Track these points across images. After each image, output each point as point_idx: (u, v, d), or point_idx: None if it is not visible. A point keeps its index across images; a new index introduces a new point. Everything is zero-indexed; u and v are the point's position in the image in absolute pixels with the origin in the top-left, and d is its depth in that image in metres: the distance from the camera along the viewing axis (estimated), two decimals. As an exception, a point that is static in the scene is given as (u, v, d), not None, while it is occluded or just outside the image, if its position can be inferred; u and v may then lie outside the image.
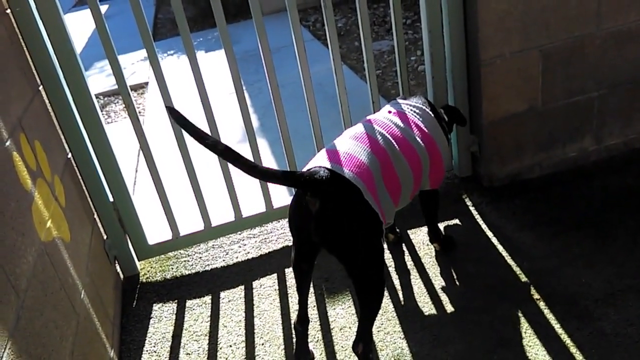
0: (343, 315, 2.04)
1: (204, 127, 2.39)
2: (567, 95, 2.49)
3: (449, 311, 1.98)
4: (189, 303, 2.25)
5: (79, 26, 7.45)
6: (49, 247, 1.64)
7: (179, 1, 2.11)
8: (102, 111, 4.42)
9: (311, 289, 2.05)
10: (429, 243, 2.29)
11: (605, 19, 2.37)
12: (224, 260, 2.47)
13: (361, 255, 1.61)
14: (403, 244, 2.34)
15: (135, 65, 6.07)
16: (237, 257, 2.48)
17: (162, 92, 2.24)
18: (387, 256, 2.29)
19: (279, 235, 2.57)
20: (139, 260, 2.51)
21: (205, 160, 3.11)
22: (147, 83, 5.42)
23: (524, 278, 2.06)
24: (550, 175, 2.61)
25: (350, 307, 2.07)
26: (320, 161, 1.64)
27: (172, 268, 2.48)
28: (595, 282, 1.98)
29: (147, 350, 2.05)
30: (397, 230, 2.37)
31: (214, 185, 2.84)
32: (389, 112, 1.96)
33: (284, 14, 2.66)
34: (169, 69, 5.63)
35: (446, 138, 2.03)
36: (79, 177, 2.20)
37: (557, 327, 1.84)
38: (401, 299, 2.07)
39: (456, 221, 2.43)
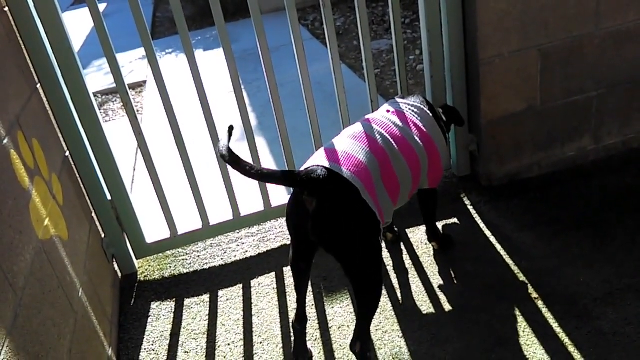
0: (341, 313, 2.04)
1: (203, 126, 2.40)
2: (565, 94, 2.49)
3: (447, 310, 1.98)
4: (187, 301, 2.25)
5: (77, 24, 7.43)
6: (47, 245, 1.63)
7: (177, 0, 2.11)
8: (100, 109, 4.40)
9: (309, 288, 2.05)
10: (428, 242, 2.29)
11: (604, 19, 2.37)
12: (222, 259, 2.47)
13: (358, 254, 1.61)
14: (401, 243, 2.34)
15: (133, 63, 6.06)
16: (235, 256, 2.47)
17: (160, 90, 2.24)
18: (386, 255, 2.29)
19: (277, 233, 2.56)
20: (137, 259, 2.51)
21: (203, 158, 3.12)
22: (145, 82, 5.41)
23: (522, 277, 2.06)
24: (549, 175, 2.61)
25: (348, 305, 2.07)
26: (318, 160, 1.64)
27: (170, 266, 2.48)
28: (594, 281, 1.98)
29: (145, 349, 2.05)
30: (396, 229, 2.37)
31: (212, 184, 2.84)
32: (388, 111, 1.96)
33: (282, 12, 2.65)
34: (167, 67, 5.61)
35: (444, 137, 2.03)
36: (77, 175, 2.20)
37: (555, 326, 1.84)
38: (399, 297, 2.07)
39: (455, 220, 2.43)
